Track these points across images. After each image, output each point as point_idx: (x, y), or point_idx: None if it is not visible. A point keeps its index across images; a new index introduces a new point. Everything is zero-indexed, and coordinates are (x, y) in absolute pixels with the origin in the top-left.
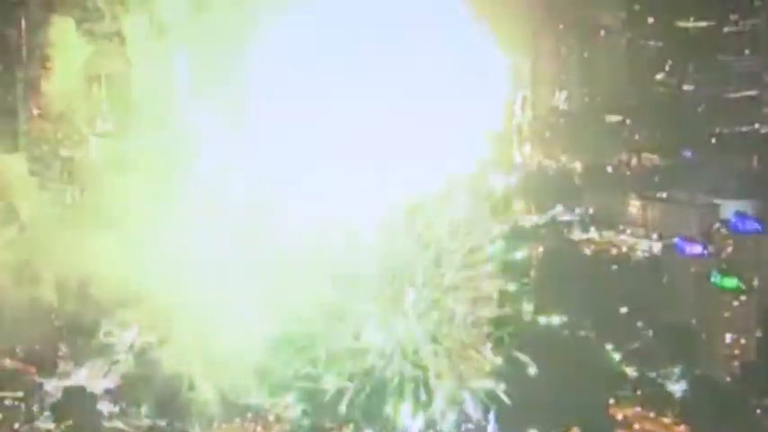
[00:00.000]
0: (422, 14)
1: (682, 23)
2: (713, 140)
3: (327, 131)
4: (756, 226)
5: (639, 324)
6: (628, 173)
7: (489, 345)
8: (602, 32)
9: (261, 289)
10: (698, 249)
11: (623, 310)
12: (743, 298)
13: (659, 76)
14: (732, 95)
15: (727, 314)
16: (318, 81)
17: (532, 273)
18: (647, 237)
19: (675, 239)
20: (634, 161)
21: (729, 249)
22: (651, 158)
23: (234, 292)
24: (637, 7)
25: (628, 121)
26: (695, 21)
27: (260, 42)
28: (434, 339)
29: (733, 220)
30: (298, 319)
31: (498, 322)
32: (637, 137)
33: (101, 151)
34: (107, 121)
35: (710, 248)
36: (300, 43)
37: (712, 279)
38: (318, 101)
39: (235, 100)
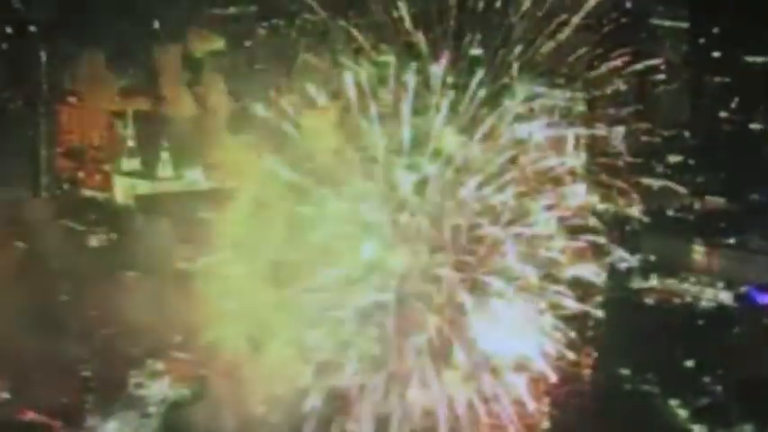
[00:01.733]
0: None
1: (750, 58)
2: None
3: None
4: None
5: (707, 379)
6: (691, 217)
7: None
8: (663, 67)
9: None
10: None
11: (689, 363)
12: None
13: (724, 114)
14: None
15: None
16: None
17: (590, 324)
18: (713, 285)
19: (746, 288)
20: (698, 205)
21: None
22: (716, 202)
23: (271, 343)
24: (701, 40)
25: (691, 162)
26: (765, 55)
27: None
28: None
29: None
30: None
31: None
32: (700, 179)
33: (127, 192)
34: (134, 160)
35: None
36: None
37: None
38: None
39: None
